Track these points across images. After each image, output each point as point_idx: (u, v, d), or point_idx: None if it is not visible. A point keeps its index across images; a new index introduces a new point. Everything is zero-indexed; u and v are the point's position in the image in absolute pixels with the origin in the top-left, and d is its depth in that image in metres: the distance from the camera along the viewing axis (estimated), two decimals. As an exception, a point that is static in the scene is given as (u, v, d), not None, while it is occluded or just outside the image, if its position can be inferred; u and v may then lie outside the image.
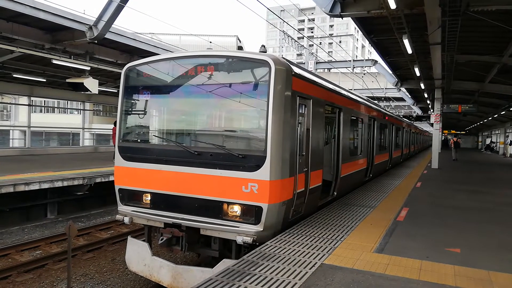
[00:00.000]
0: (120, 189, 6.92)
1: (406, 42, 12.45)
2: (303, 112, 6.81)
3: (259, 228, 5.73)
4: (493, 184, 15.14)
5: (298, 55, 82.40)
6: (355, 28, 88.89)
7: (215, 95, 6.24)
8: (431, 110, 27.26)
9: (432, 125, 24.79)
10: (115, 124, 11.59)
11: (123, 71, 7.14)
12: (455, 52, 13.91)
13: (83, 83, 14.54)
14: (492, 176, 18.55)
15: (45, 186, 11.04)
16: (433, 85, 20.68)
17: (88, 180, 12.22)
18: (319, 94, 7.56)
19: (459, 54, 15.42)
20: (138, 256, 6.75)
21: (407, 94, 31.66)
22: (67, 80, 15.20)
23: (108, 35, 12.16)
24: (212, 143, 6.19)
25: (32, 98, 22.50)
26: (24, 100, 23.90)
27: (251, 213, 5.79)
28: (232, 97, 6.15)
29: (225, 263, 5.53)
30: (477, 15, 9.99)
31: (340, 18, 12.46)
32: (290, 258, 5.07)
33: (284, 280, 4.33)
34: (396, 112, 39.81)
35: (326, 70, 34.44)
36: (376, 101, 24.99)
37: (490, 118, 39.18)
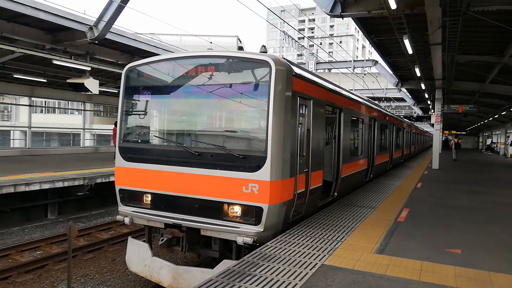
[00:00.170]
0: (120, 190, 6.92)
1: (406, 42, 12.44)
2: (303, 112, 6.80)
3: (259, 228, 5.73)
4: (493, 184, 15.12)
5: (298, 55, 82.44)
6: (356, 29, 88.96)
7: (215, 96, 6.23)
8: (432, 111, 27.25)
9: (432, 125, 24.78)
10: (115, 124, 11.58)
11: (123, 72, 7.14)
12: (456, 52, 13.91)
13: (83, 83, 14.54)
14: (493, 177, 18.54)
15: (46, 186, 11.05)
16: (434, 85, 20.67)
17: (88, 180, 12.22)
18: (319, 94, 7.55)
19: (460, 55, 15.41)
20: (139, 256, 6.75)
21: (408, 94, 31.65)
22: (68, 81, 15.20)
23: (108, 36, 12.17)
24: (212, 143, 6.18)
25: (32, 99, 22.53)
26: (24, 100, 23.95)
27: (251, 214, 5.79)
28: (232, 98, 6.15)
29: (225, 264, 5.52)
30: (477, 15, 9.98)
31: (341, 19, 12.45)
32: (290, 258, 5.06)
33: (284, 281, 4.32)
34: (396, 113, 39.78)
35: (326, 70, 34.43)
36: (376, 102, 24.96)
37: (491, 119, 39.16)
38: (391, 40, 14.86)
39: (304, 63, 25.44)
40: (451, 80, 19.35)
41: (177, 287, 6.15)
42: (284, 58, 6.49)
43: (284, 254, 5.24)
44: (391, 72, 22.36)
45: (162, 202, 6.47)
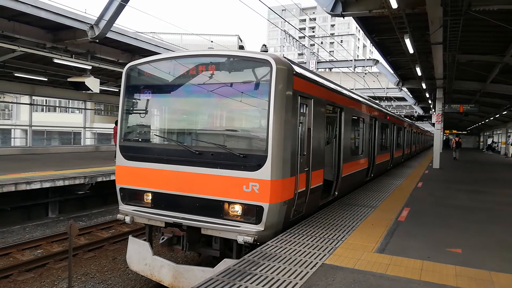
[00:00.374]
0: (121, 188, 6.93)
1: (407, 41, 12.43)
2: (304, 111, 6.80)
3: (260, 227, 5.73)
4: (494, 184, 15.11)
5: (299, 54, 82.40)
6: (357, 28, 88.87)
7: (216, 95, 6.23)
8: (433, 110, 27.24)
9: (433, 125, 24.76)
10: (116, 123, 11.57)
11: (124, 70, 7.13)
12: (457, 52, 13.90)
13: (84, 82, 14.54)
14: (494, 176, 18.52)
15: (47, 185, 11.05)
16: (435, 85, 20.64)
17: (89, 179, 12.23)
18: (320, 93, 7.55)
19: (461, 54, 15.39)
20: (139, 255, 6.75)
21: (409, 94, 31.63)
22: (69, 79, 15.20)
23: (109, 34, 12.15)
24: (213, 142, 6.18)
25: (33, 97, 22.56)
26: (25, 99, 23.96)
27: (252, 213, 5.79)
28: (233, 97, 6.14)
29: (226, 263, 5.52)
30: (478, 15, 9.96)
31: (342, 18, 12.43)
32: (291, 258, 5.06)
33: (285, 280, 4.33)
34: (397, 112, 39.75)
35: (327, 69, 34.46)
36: (377, 101, 24.96)
37: (492, 118, 39.12)
38: (392, 40, 14.85)
39: (305, 63, 25.43)
40: (452, 79, 19.35)
41: (178, 286, 6.15)
42: (285, 57, 6.48)
43: (284, 253, 5.24)
44: (392, 72, 22.34)
45: (162, 201, 6.48)
